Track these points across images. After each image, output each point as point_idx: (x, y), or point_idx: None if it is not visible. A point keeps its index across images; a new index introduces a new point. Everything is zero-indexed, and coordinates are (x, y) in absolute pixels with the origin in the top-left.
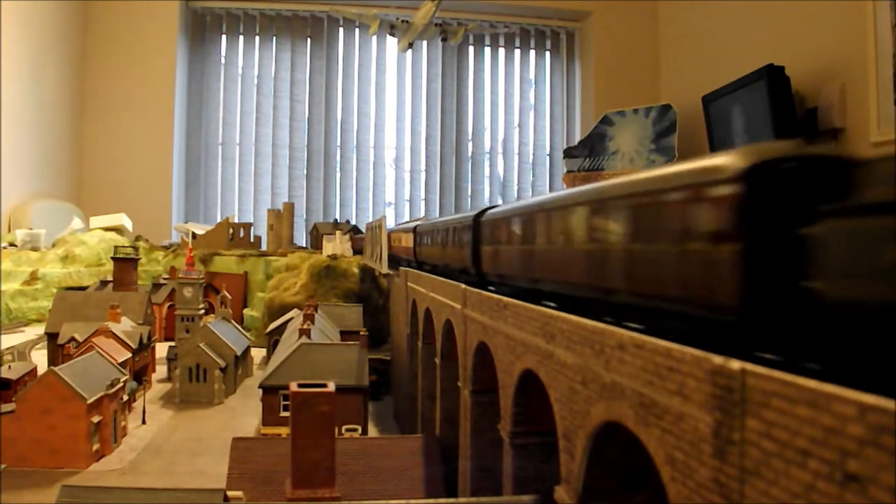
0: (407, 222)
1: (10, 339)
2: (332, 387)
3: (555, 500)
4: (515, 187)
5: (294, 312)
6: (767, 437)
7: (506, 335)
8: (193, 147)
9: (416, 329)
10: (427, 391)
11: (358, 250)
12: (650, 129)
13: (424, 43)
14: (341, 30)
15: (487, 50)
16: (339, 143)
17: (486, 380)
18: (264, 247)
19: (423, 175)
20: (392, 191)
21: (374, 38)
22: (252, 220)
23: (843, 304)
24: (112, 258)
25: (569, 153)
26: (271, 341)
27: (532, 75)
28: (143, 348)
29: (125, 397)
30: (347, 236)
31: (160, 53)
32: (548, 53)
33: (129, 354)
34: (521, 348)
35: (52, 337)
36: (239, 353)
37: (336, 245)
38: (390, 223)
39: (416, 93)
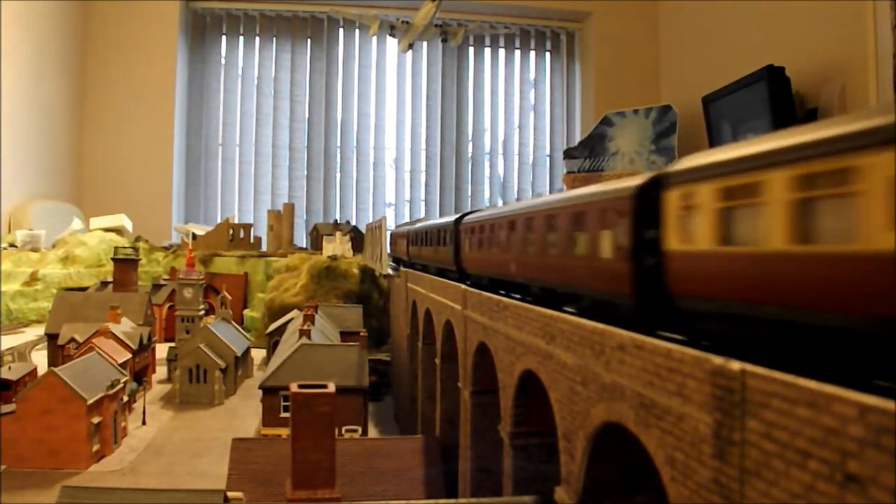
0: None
1: (11, 340)
2: (332, 388)
3: (555, 500)
4: (515, 188)
5: (294, 313)
6: (768, 438)
7: (506, 336)
8: (193, 148)
9: (416, 330)
10: (427, 392)
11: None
12: (650, 129)
13: (424, 44)
14: (341, 30)
15: (487, 51)
16: (339, 144)
17: (487, 380)
18: (264, 247)
19: (423, 176)
20: (392, 191)
21: (375, 38)
22: (252, 221)
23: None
24: (112, 259)
25: (569, 154)
26: (271, 342)
27: (532, 76)
28: (144, 349)
29: (125, 398)
30: (347, 237)
31: (160, 54)
32: (548, 54)
33: (130, 355)
34: (521, 349)
35: (52, 338)
36: (239, 354)
37: (336, 246)
38: (390, 224)
39: (416, 93)
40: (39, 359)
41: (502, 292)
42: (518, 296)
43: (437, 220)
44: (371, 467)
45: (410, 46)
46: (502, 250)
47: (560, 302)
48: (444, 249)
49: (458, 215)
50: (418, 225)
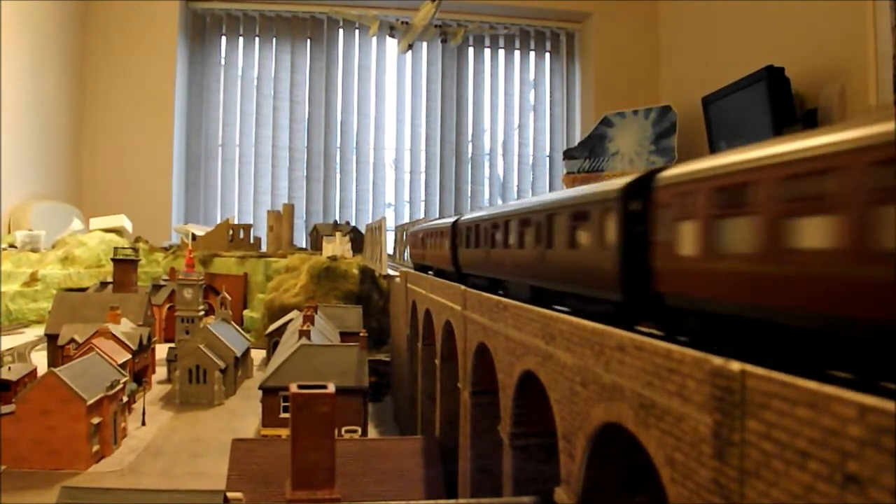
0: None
1: (10, 341)
2: (331, 388)
3: (555, 501)
4: (515, 188)
5: (294, 314)
6: (767, 439)
7: (506, 336)
8: (193, 148)
9: (416, 330)
10: (427, 392)
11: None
12: (650, 130)
13: (424, 44)
14: (341, 31)
15: (487, 51)
16: (338, 145)
17: (486, 381)
18: (264, 248)
19: (422, 176)
20: (392, 192)
21: (374, 39)
22: (252, 222)
23: None
24: (112, 259)
25: (569, 154)
26: (271, 342)
27: (532, 76)
28: (143, 349)
29: (125, 398)
30: (347, 237)
31: (160, 54)
32: (548, 54)
33: (129, 356)
34: (521, 349)
35: (51, 338)
36: (239, 355)
37: (336, 246)
38: (390, 224)
39: (415, 94)
40: (39, 359)
41: None
42: None
43: (549, 196)
44: (371, 468)
45: (410, 47)
46: None
47: None
48: (577, 255)
49: (627, 180)
50: (484, 213)
